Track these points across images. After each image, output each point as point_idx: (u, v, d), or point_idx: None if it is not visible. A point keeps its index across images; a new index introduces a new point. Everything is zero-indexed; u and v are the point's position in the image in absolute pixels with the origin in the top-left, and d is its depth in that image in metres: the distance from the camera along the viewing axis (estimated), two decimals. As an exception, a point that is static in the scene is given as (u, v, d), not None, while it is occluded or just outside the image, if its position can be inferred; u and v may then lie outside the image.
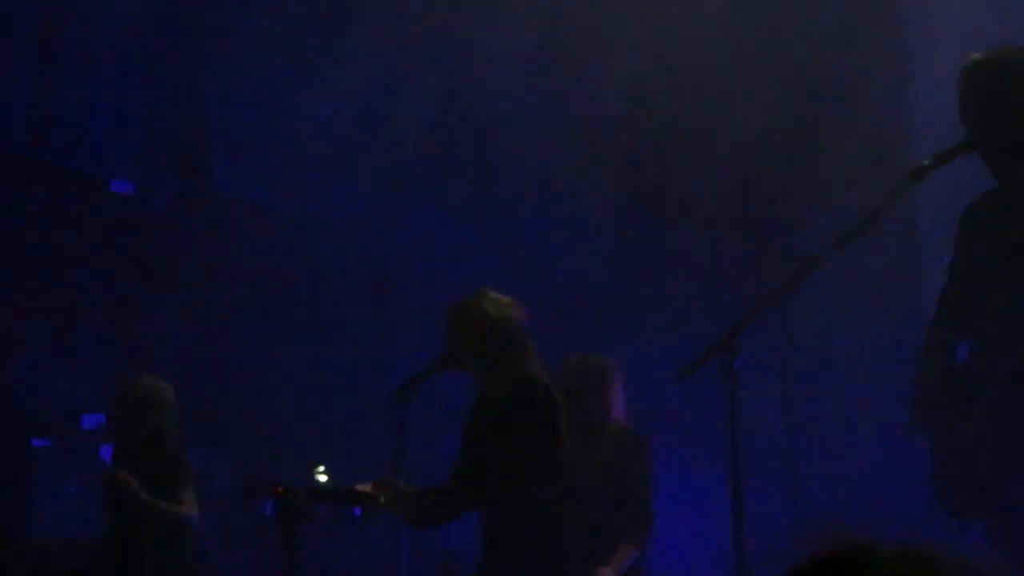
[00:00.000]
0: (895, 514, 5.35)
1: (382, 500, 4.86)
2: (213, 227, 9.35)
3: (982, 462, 4.03)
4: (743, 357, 4.12)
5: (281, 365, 9.10)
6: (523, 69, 8.69)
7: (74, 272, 8.87)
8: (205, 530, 6.29)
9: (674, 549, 6.23)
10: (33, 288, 8.73)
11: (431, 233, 8.98)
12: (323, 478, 4.92)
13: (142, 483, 5.96)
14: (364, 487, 4.90)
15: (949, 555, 1.67)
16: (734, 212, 7.74)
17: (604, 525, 5.55)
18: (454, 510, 5.08)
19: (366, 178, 9.34)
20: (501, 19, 8.51)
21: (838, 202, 6.35)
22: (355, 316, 9.17)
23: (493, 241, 8.62)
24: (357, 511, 4.92)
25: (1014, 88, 4.11)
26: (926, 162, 4.05)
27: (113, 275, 9.04)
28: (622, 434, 5.87)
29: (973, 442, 4.05)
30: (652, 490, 5.83)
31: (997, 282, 4.13)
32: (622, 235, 8.41)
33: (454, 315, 5.10)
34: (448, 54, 8.98)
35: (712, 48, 7.84)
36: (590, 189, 8.46)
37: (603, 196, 8.48)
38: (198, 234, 9.31)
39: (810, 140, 7.63)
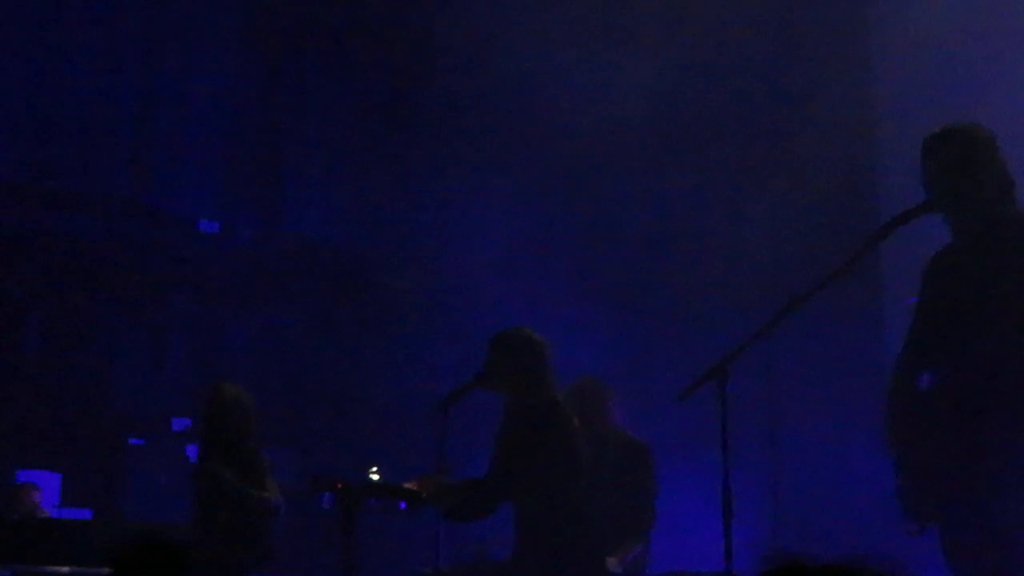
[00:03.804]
0: (871, 523, 5.39)
1: (424, 495, 4.95)
2: (285, 260, 9.49)
3: (938, 475, 4.10)
4: (734, 383, 4.17)
5: (343, 378, 9.20)
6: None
7: (167, 297, 9.06)
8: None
9: (674, 547, 6.25)
10: (133, 310, 8.93)
11: (476, 268, 9.02)
12: (375, 476, 5.00)
13: (230, 476, 6.02)
14: (409, 484, 4.99)
15: (868, 569, 1.75)
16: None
17: (613, 522, 5.61)
18: (486, 504, 5.16)
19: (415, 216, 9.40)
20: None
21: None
22: (405, 340, 9.26)
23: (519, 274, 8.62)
24: (403, 504, 5.00)
25: (972, 160, 4.17)
26: (896, 219, 4.14)
27: (200, 300, 9.21)
28: (625, 442, 5.94)
29: (931, 458, 4.12)
30: (654, 490, 5.91)
31: (954, 324, 4.20)
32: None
33: (496, 345, 5.21)
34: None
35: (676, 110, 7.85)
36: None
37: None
38: (272, 265, 9.46)
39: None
